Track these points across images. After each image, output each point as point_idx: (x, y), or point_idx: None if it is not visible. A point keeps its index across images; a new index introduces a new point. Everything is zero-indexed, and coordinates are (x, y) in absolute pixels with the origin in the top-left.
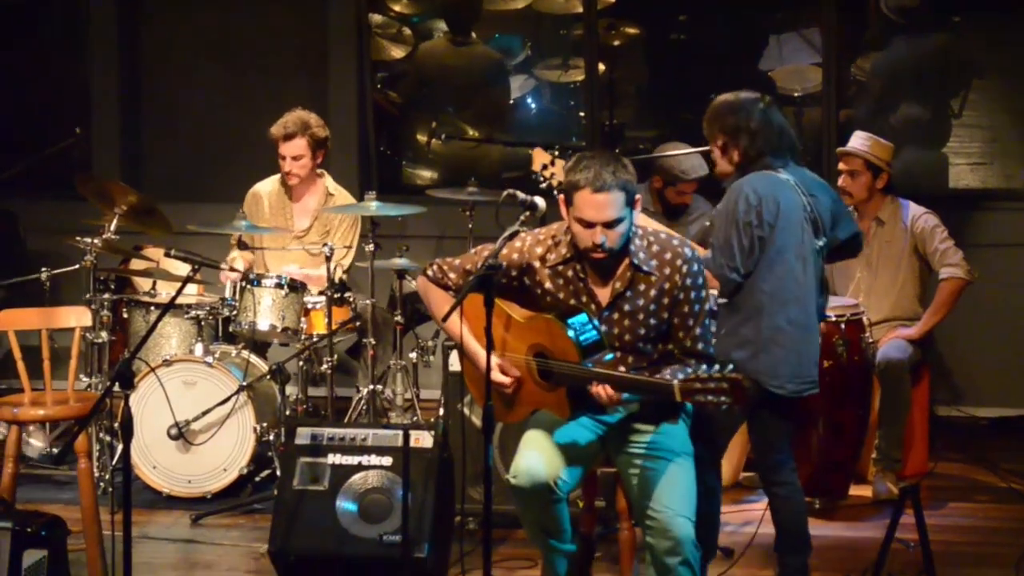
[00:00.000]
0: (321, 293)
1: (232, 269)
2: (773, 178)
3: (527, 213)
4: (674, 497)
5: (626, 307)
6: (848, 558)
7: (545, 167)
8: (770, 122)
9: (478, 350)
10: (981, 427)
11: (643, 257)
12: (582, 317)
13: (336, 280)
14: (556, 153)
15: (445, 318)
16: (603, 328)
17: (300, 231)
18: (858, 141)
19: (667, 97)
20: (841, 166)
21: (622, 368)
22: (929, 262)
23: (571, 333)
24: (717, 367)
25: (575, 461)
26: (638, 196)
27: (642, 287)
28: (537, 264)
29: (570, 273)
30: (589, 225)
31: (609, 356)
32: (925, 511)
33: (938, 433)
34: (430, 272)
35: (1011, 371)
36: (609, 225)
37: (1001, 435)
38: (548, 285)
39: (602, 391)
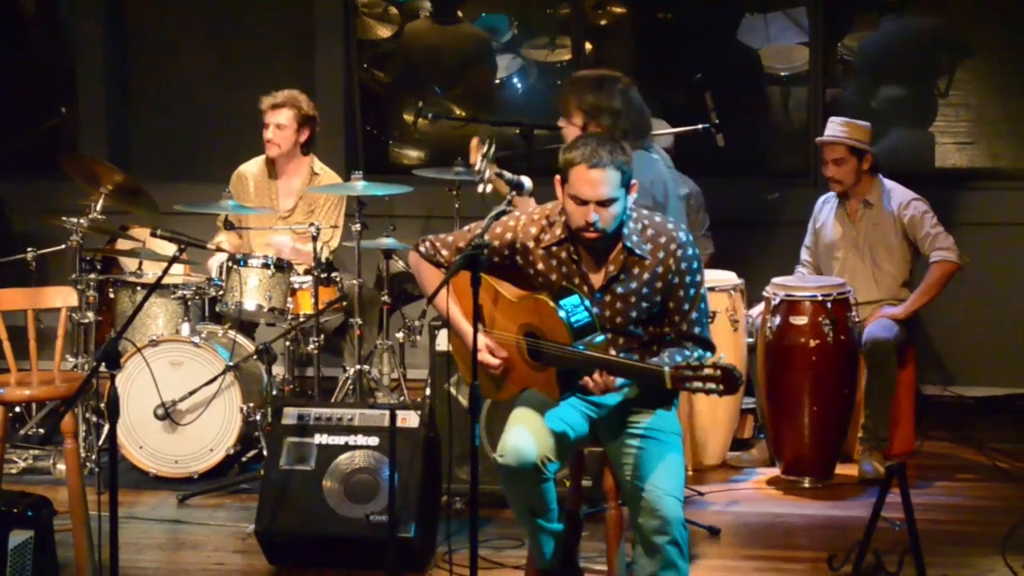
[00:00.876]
0: (308, 273)
1: (218, 248)
2: (650, 158)
3: (514, 192)
4: (663, 477)
5: (619, 290)
6: (834, 537)
7: (484, 157)
8: (631, 103)
9: (467, 328)
10: (967, 406)
11: (636, 240)
12: (574, 299)
13: (323, 260)
14: (488, 144)
15: (433, 296)
16: (595, 310)
17: (285, 211)
18: (836, 128)
19: (654, 77)
20: (825, 156)
21: (613, 351)
22: (919, 247)
23: (562, 314)
24: (709, 355)
25: (563, 441)
26: (634, 181)
27: (636, 270)
28: (531, 244)
29: (564, 255)
30: (583, 203)
31: (600, 338)
32: (911, 490)
33: (924, 412)
34: (422, 248)
35: (998, 350)
36: (603, 204)
37: (987, 414)
38: (541, 266)
39: (595, 381)
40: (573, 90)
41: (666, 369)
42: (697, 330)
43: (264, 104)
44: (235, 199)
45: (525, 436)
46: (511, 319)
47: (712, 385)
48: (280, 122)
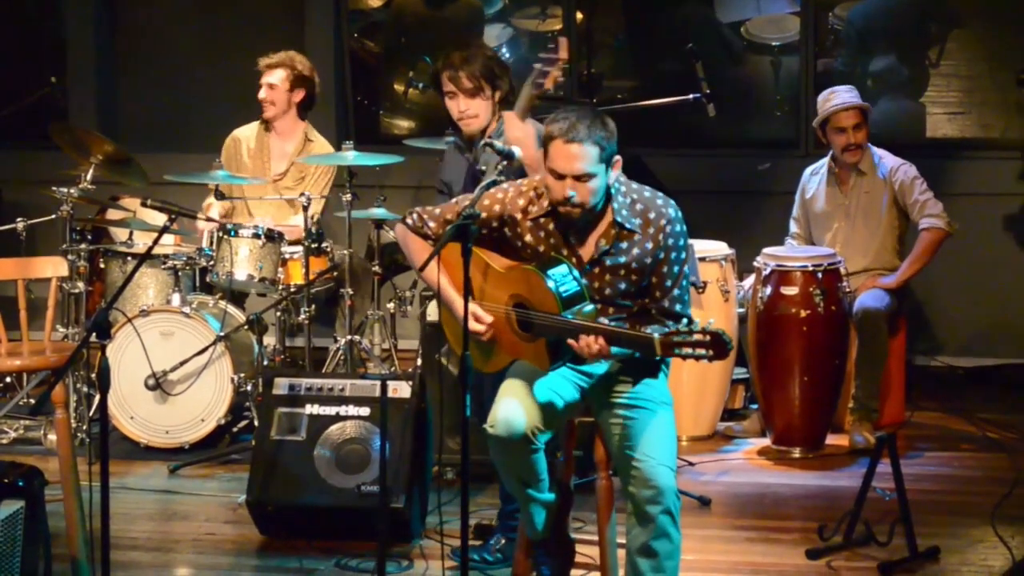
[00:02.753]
0: (298, 243)
1: (208, 219)
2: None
3: (504, 163)
4: (655, 446)
5: (608, 263)
6: (825, 507)
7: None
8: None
9: (456, 299)
10: (958, 377)
11: (626, 215)
12: (562, 268)
13: (313, 229)
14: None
15: (423, 267)
16: (583, 281)
17: (276, 175)
18: (847, 95)
19: (645, 47)
20: (842, 123)
21: (603, 320)
22: (908, 214)
23: (551, 284)
24: (697, 322)
25: (553, 411)
26: (618, 158)
27: (624, 245)
28: (519, 216)
29: (551, 226)
30: (560, 177)
31: (589, 308)
32: (901, 460)
33: (915, 383)
34: (409, 220)
35: (988, 320)
36: (579, 179)
37: (977, 384)
38: (528, 238)
39: (586, 345)
40: (469, 65)
41: (656, 336)
42: (678, 307)
43: (260, 64)
44: (227, 164)
45: (515, 407)
46: (500, 290)
47: (702, 351)
48: (272, 82)
